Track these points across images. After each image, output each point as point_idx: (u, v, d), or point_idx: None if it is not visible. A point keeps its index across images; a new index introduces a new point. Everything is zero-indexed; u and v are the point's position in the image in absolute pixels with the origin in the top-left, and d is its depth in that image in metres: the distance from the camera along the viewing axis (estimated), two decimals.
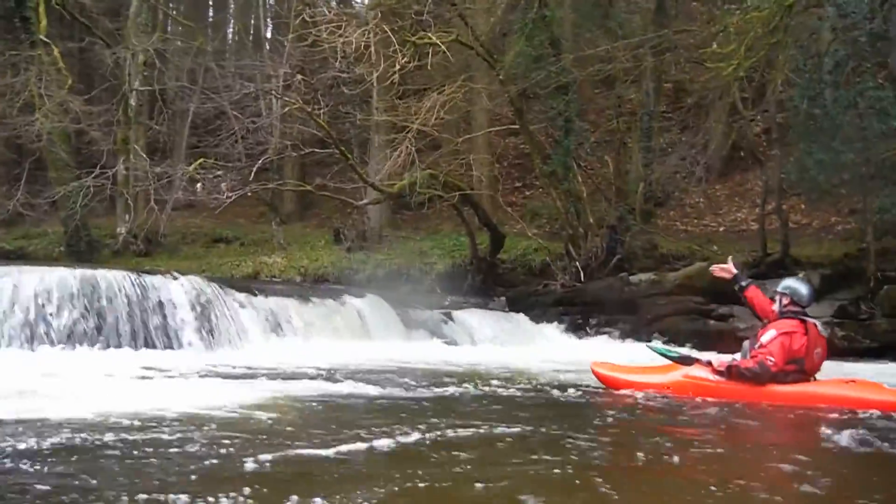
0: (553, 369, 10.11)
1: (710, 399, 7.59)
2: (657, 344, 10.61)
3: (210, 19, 29.33)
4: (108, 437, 5.07)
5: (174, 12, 24.85)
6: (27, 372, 8.10)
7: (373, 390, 7.61)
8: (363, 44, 15.02)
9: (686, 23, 18.93)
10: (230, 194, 16.12)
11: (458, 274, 17.95)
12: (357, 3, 28.00)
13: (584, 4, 17.17)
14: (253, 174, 17.79)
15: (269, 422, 5.79)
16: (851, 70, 14.31)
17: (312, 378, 8.38)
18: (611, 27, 17.09)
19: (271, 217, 22.01)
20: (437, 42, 15.26)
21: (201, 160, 17.95)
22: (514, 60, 16.48)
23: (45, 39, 19.09)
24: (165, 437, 5.14)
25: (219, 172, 17.15)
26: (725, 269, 8.60)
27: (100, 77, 23.86)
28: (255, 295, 12.20)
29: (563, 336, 14.81)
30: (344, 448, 4.90)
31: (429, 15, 15.79)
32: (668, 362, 8.19)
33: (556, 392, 8.04)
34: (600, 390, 8.21)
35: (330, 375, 8.60)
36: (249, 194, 17.88)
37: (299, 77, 16.55)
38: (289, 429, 5.56)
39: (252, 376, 8.35)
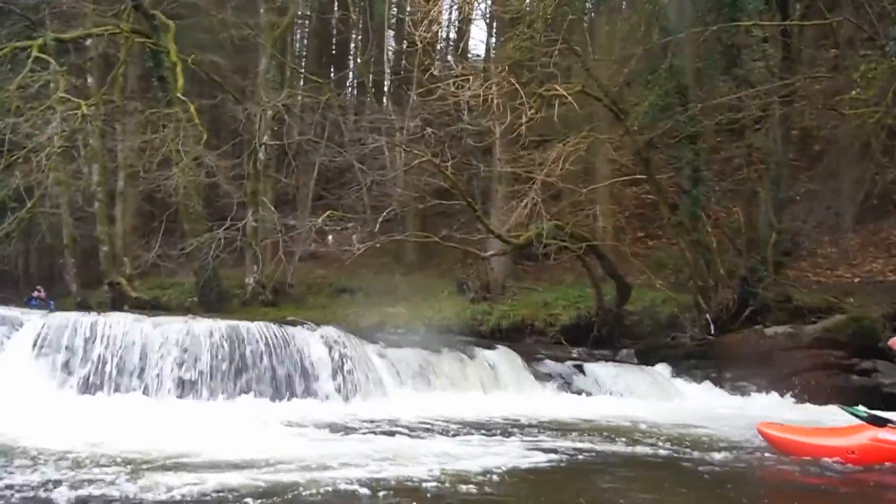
0: (700, 426, 9.79)
1: None
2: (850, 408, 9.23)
3: (333, 75, 30.01)
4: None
5: (301, 69, 25.45)
6: (181, 420, 8.35)
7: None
8: (490, 96, 15.15)
9: (811, 69, 18.54)
10: (360, 246, 16.36)
11: (582, 325, 17.78)
12: (475, 55, 28.44)
13: (710, 53, 16.92)
14: (378, 225, 18.06)
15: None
16: None
17: (455, 435, 8.35)
18: (738, 75, 16.81)
19: (396, 268, 22.24)
20: (564, 93, 15.29)
21: (329, 212, 18.27)
22: (641, 110, 16.36)
23: (182, 97, 19.83)
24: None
25: (349, 225, 17.41)
26: None
27: (228, 132, 24.68)
28: (387, 347, 12.32)
29: (698, 389, 14.44)
30: None
31: (554, 67, 15.90)
32: (851, 423, 7.47)
33: (718, 455, 7.60)
34: (769, 455, 7.60)
35: (479, 429, 8.55)
36: (378, 246, 18.11)
37: (429, 129, 16.77)
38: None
39: (393, 432, 8.35)
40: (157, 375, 9.69)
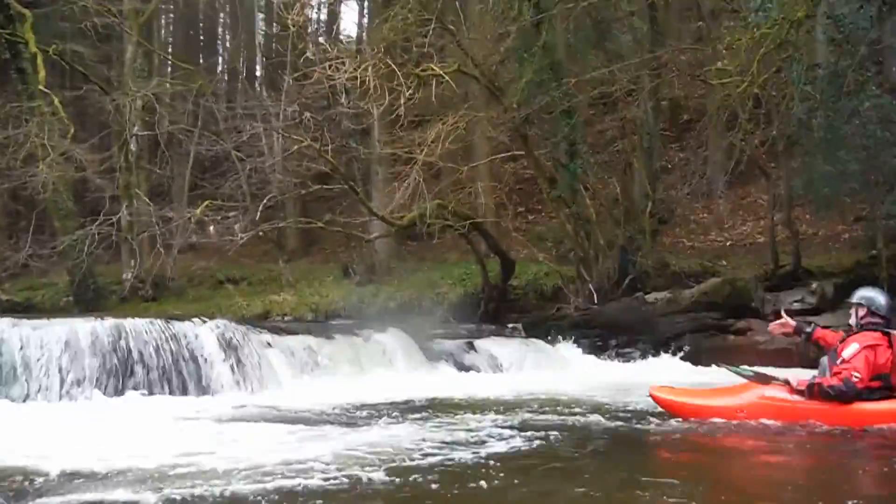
0: (592, 394, 10.04)
1: (789, 422, 7.05)
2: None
3: (202, 62, 29.35)
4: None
5: (169, 56, 24.79)
6: (67, 422, 8.10)
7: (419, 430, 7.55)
8: (366, 78, 15.08)
9: (678, 41, 19.13)
10: (242, 235, 16.13)
11: (469, 302, 17.94)
12: (347, 37, 28.24)
13: (582, 28, 17.26)
14: (259, 213, 17.83)
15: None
16: (852, 80, 14.49)
17: (353, 421, 8.35)
18: (609, 49, 17.21)
19: (278, 255, 21.99)
20: (441, 73, 15.36)
21: (208, 202, 17.96)
22: (516, 87, 16.57)
23: (45, 90, 19.09)
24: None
25: (230, 214, 17.14)
26: (784, 324, 8.02)
27: (97, 124, 23.90)
28: (278, 335, 12.20)
29: (585, 358, 14.79)
30: None
31: (429, 47, 15.94)
32: (738, 383, 7.68)
33: (612, 423, 7.70)
34: (660, 419, 7.72)
35: (372, 416, 8.56)
36: (260, 234, 17.89)
37: (307, 114, 16.60)
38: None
39: (290, 421, 8.29)
40: (41, 379, 9.34)
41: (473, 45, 17.45)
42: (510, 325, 16.78)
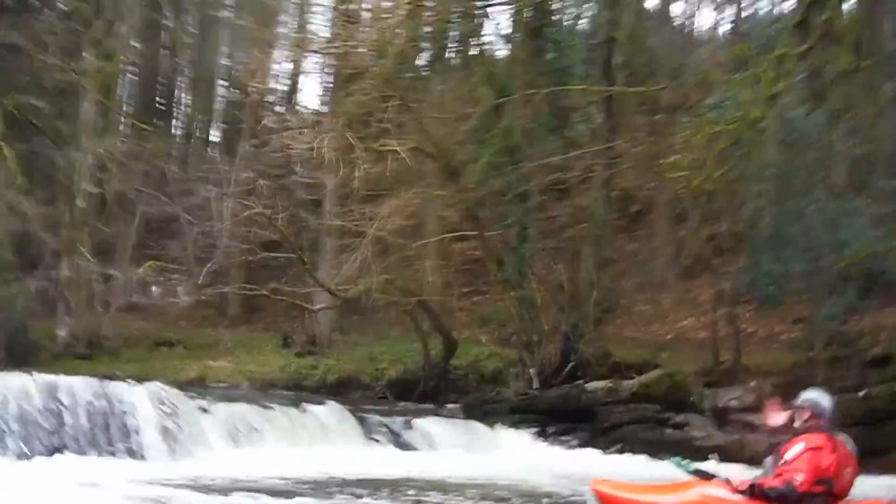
0: (527, 480, 9.94)
1: None
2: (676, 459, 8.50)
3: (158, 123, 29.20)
4: None
5: (126, 115, 24.53)
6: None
7: None
8: (324, 149, 15.13)
9: (633, 133, 19.57)
10: (186, 297, 15.89)
11: (409, 380, 17.85)
12: (304, 108, 28.37)
13: (541, 114, 17.50)
14: (202, 277, 17.65)
15: None
16: (801, 182, 14.88)
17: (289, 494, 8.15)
18: (566, 136, 17.48)
19: (218, 320, 21.62)
20: (398, 149, 15.47)
21: (151, 262, 17.71)
22: (473, 168, 16.72)
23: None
24: None
25: (174, 276, 16.89)
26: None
27: (43, 177, 23.46)
28: (214, 402, 11.96)
29: (524, 444, 14.67)
30: None
31: (389, 123, 16.08)
32: (679, 479, 7.48)
33: None
34: None
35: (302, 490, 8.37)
36: (203, 298, 17.64)
37: (261, 181, 16.56)
38: None
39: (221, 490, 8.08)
40: None
41: (433, 124, 17.65)
42: (448, 405, 16.67)
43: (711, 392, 15.42)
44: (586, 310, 17.36)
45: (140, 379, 11.42)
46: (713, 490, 7.07)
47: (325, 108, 21.38)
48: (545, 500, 8.50)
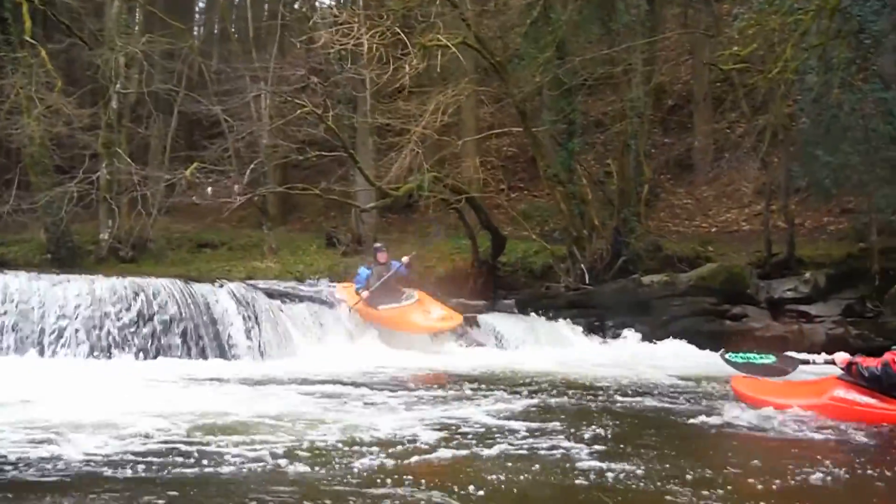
0: (620, 374, 9.92)
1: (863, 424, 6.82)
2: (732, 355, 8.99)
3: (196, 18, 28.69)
4: None
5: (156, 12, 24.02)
6: (90, 380, 7.92)
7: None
8: (373, 45, 14.87)
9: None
10: (240, 197, 15.84)
11: (458, 277, 17.82)
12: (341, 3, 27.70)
13: (588, 6, 17.13)
14: (247, 176, 17.59)
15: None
16: (856, 72, 14.60)
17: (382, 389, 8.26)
18: (613, 29, 17.13)
19: (260, 221, 21.60)
20: (448, 44, 15.18)
21: (196, 163, 17.60)
22: (520, 63, 16.46)
23: (31, 41, 18.50)
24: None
25: (214, 177, 16.74)
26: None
27: (80, 79, 23.17)
28: (286, 302, 12.04)
29: (586, 337, 14.74)
30: None
31: (433, 19, 15.76)
32: (815, 380, 7.71)
33: (673, 405, 7.77)
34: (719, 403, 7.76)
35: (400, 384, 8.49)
36: (254, 198, 17.58)
37: (314, 79, 16.31)
38: None
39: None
40: (56, 336, 9.09)
41: (478, 20, 17.30)
42: (503, 301, 16.72)
43: (765, 283, 15.45)
44: (635, 204, 17.29)
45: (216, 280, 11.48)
46: (842, 392, 7.18)
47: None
48: (657, 392, 8.51)
